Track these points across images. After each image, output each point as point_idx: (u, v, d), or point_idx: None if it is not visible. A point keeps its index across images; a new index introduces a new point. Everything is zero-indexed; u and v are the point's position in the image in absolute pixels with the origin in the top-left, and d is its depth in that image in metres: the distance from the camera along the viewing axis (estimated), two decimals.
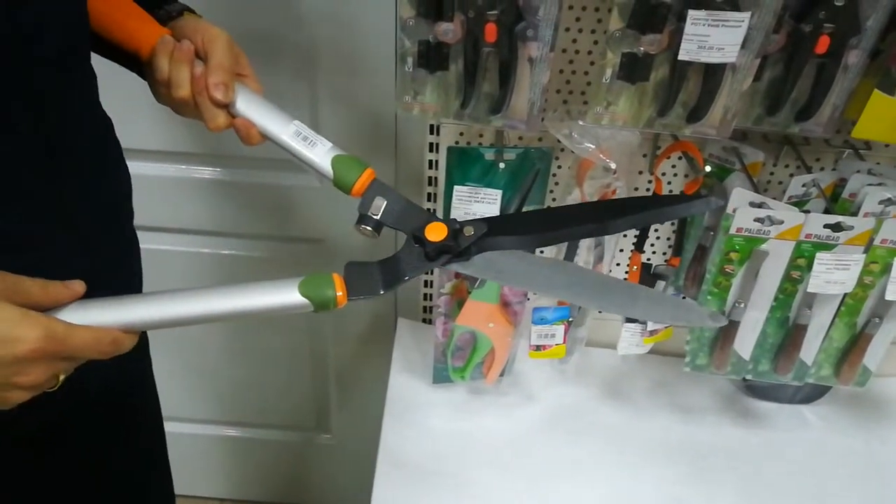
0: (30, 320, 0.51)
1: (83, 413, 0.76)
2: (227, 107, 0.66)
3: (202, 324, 0.60)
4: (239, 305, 0.59)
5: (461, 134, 0.99)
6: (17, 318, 0.50)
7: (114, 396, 0.82)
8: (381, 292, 0.61)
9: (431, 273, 1.11)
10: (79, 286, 0.56)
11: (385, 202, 0.64)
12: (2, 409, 0.53)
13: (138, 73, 0.71)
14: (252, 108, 0.66)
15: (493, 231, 0.62)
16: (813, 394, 1.09)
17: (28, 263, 0.53)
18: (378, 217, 0.64)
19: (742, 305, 0.91)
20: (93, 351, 0.54)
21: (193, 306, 0.59)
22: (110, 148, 0.74)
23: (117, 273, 0.75)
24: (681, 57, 0.72)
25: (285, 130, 0.66)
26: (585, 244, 0.94)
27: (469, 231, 0.62)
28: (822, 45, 0.74)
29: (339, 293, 0.59)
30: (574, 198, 0.92)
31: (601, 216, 0.64)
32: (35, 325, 0.50)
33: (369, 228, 0.64)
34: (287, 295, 0.59)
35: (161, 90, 0.68)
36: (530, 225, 0.65)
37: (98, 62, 0.68)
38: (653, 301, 0.65)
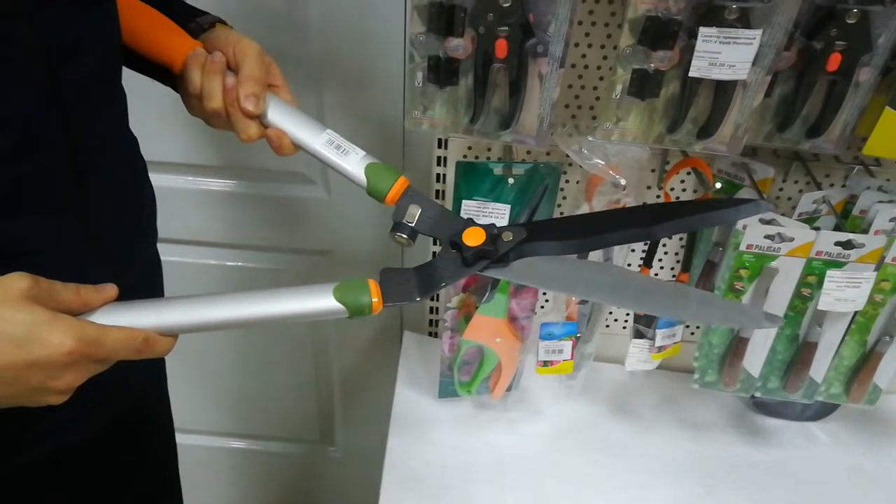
0: (62, 324, 0.51)
1: (109, 431, 0.75)
2: (259, 117, 0.65)
3: (233, 328, 0.59)
4: (273, 310, 0.58)
5: (469, 148, 0.99)
6: (49, 322, 0.50)
7: (137, 414, 0.82)
8: (417, 299, 0.60)
9: None
10: (111, 290, 0.56)
11: (420, 210, 0.64)
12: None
13: (171, 87, 0.71)
14: (284, 119, 0.66)
15: (533, 236, 0.61)
16: (822, 411, 1.09)
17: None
18: (413, 225, 0.64)
19: None
20: (125, 351, 0.54)
21: (226, 310, 0.58)
22: (136, 167, 0.74)
23: (143, 292, 0.75)
24: (691, 74, 0.72)
25: (318, 140, 0.66)
26: (593, 258, 0.93)
27: (508, 236, 0.61)
28: (834, 62, 0.74)
29: (375, 299, 0.59)
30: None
31: (646, 221, 0.61)
32: (67, 329, 0.50)
33: (404, 236, 0.63)
34: (322, 300, 0.58)
35: (193, 102, 0.68)
36: (571, 230, 0.63)
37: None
38: (703, 303, 0.62)
